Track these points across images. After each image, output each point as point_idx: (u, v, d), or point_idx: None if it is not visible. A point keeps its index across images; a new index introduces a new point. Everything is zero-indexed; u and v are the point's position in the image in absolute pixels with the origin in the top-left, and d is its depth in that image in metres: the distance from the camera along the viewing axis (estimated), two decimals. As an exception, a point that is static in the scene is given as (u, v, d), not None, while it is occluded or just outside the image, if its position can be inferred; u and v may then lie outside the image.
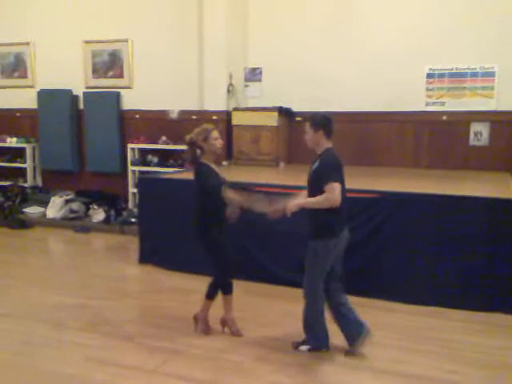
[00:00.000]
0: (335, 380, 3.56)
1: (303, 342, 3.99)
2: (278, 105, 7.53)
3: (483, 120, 7.10)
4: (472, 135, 7.17)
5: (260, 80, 8.11)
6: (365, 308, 4.78)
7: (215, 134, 4.21)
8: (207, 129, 4.22)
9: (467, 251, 4.75)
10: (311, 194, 3.83)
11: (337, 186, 3.68)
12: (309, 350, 3.95)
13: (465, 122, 7.18)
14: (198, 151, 4.16)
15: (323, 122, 3.86)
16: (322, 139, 3.85)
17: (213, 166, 4.22)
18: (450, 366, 3.75)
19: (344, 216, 3.87)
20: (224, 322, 4.29)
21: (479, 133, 7.13)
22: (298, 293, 5.11)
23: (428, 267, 4.88)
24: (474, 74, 7.10)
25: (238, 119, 7.55)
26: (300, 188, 5.35)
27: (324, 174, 3.72)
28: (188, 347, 4.01)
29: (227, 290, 4.23)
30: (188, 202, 4.45)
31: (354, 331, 3.90)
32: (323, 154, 3.86)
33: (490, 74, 7.04)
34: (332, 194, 3.65)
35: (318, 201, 3.72)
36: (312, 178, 3.86)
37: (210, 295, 4.24)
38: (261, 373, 3.65)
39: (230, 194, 4.05)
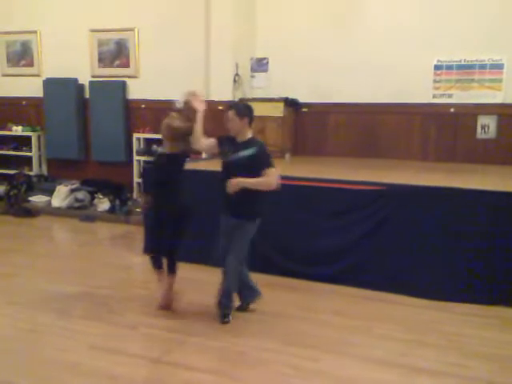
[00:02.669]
0: (341, 373, 3.56)
1: (226, 315, 4.26)
2: (285, 95, 7.50)
3: (491, 113, 7.05)
4: (479, 128, 7.12)
5: (266, 70, 8.07)
6: (370, 300, 4.82)
7: None
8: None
9: (473, 244, 4.73)
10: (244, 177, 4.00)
11: (276, 172, 4.04)
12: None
13: (472, 114, 7.13)
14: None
15: (247, 110, 4.14)
16: (246, 127, 4.12)
17: None
18: (454, 358, 3.74)
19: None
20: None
21: (486, 126, 7.08)
22: (301, 283, 5.16)
23: (433, 260, 4.86)
24: (483, 66, 7.04)
25: (243, 110, 7.50)
26: (307, 179, 5.39)
27: (264, 159, 4.02)
28: (192, 337, 4.01)
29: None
30: (192, 192, 4.45)
31: (253, 295, 4.45)
32: (253, 141, 4.14)
33: (498, 67, 6.98)
34: (272, 178, 4.00)
35: (259, 182, 3.99)
36: (247, 162, 4.02)
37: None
38: (265, 363, 3.66)
39: None
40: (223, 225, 4.25)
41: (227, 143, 4.19)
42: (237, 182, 3.95)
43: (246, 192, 3.96)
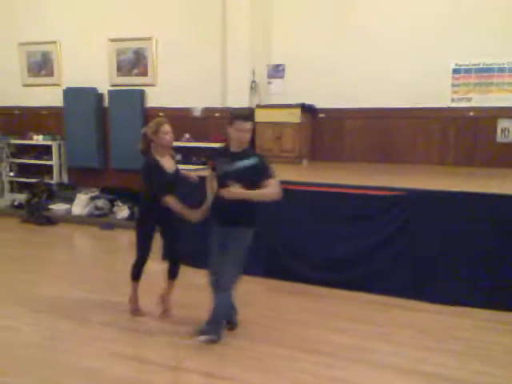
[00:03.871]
0: (359, 380, 3.53)
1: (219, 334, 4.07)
2: (301, 101, 7.49)
3: (511, 116, 6.96)
4: (499, 132, 7.04)
5: (283, 77, 8.08)
6: (389, 307, 4.77)
7: (165, 128, 4.25)
8: (158, 122, 4.27)
9: (494, 251, 4.66)
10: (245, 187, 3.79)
11: (277, 181, 3.85)
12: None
13: (492, 118, 7.05)
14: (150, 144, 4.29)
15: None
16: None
17: (163, 159, 4.28)
18: (476, 366, 3.69)
19: None
20: (162, 300, 4.65)
21: (506, 129, 7.00)
22: (319, 290, 5.14)
23: (453, 266, 4.80)
24: (501, 70, 6.97)
25: (260, 116, 7.52)
26: (324, 185, 5.37)
27: (266, 169, 3.83)
28: (209, 344, 4.00)
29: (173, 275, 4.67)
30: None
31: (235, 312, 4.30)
32: (250, 151, 3.99)
33: (517, 70, 6.91)
34: (277, 189, 3.81)
35: (264, 193, 3.79)
36: (247, 173, 3.80)
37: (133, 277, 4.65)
38: (281, 370, 3.64)
39: (170, 200, 4.15)
40: (215, 235, 4.04)
41: (219, 157, 4.02)
42: (240, 194, 3.72)
43: (245, 200, 3.77)
